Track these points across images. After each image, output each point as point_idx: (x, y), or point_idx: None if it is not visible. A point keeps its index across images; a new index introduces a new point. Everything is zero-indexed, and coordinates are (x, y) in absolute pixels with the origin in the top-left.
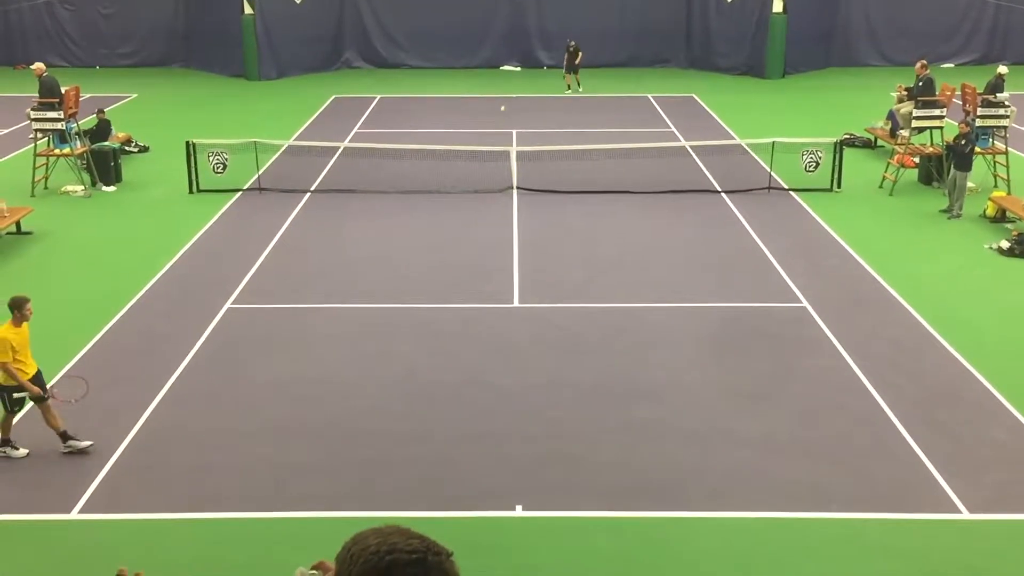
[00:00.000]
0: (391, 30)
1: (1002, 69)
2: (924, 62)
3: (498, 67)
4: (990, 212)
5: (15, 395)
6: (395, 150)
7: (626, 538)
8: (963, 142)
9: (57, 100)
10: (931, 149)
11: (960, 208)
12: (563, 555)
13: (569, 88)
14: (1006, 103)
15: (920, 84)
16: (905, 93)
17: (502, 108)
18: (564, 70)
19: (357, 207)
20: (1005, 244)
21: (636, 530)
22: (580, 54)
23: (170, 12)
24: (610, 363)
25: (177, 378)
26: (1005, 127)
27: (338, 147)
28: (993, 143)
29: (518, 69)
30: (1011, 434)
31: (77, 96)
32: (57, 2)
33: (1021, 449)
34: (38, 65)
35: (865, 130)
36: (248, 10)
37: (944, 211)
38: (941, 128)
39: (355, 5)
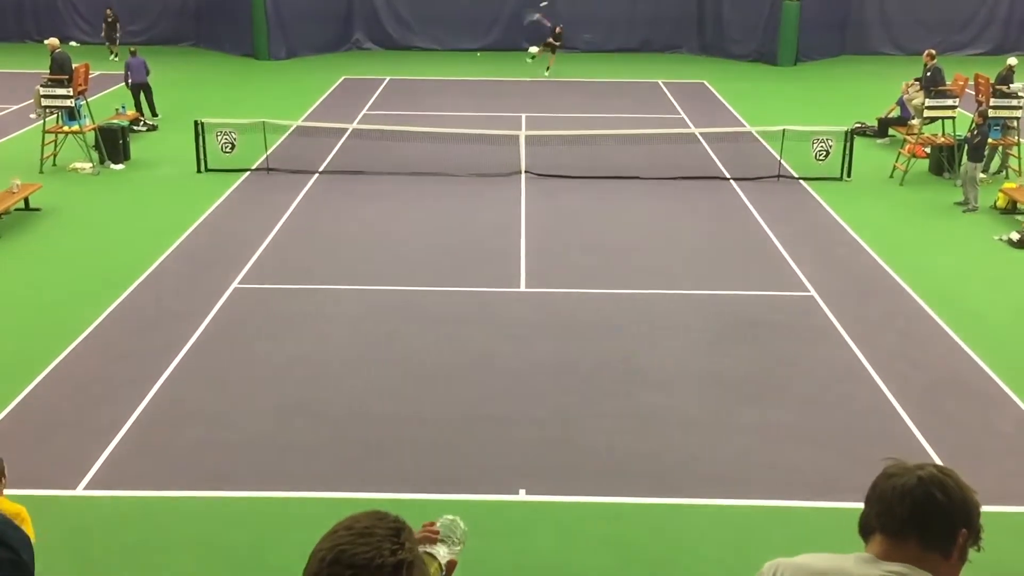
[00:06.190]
0: (401, 11)
1: (1011, 60)
2: (932, 51)
3: (509, 50)
4: (1000, 203)
5: None
6: (404, 132)
7: (628, 524)
8: (976, 133)
9: (67, 77)
10: (943, 139)
11: (976, 200)
12: (565, 540)
13: (548, 70)
14: (1019, 93)
15: (928, 74)
16: (915, 83)
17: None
18: (550, 52)
19: (365, 189)
20: (1015, 236)
21: (639, 516)
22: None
23: None
24: (616, 349)
25: (183, 356)
26: (1017, 118)
27: (347, 128)
28: (1005, 134)
29: (537, 50)
30: (1017, 426)
31: (87, 74)
32: None
33: None
34: (51, 40)
35: (877, 119)
36: None
37: (959, 204)
38: (953, 119)
39: None
